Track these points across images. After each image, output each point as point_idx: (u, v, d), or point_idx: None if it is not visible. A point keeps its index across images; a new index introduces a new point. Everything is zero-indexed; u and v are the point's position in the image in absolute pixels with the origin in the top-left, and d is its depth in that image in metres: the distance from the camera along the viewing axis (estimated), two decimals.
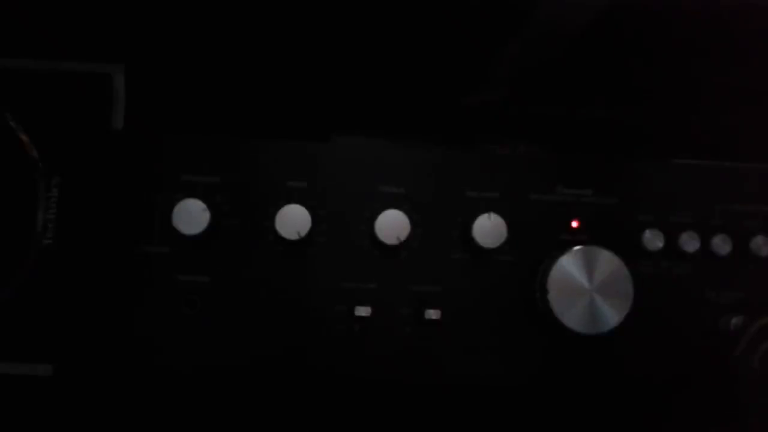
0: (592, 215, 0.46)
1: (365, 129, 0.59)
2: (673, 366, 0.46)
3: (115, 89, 0.50)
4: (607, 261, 0.43)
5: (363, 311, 0.43)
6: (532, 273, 0.45)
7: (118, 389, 0.52)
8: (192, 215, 0.42)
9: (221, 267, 0.44)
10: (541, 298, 0.44)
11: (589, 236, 0.45)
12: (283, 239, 0.42)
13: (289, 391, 0.53)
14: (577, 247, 0.43)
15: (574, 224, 0.46)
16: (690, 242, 0.45)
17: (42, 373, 0.44)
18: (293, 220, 0.42)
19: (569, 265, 0.43)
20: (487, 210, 0.44)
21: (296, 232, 0.42)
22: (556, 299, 0.43)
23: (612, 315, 0.43)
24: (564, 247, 0.44)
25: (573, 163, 0.46)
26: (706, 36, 0.49)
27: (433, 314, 0.44)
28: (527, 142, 0.58)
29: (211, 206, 0.42)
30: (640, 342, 0.45)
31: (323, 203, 0.44)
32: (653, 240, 0.45)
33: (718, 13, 0.46)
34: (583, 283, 0.43)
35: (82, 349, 0.43)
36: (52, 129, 0.44)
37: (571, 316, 0.43)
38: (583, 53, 0.52)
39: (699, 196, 0.46)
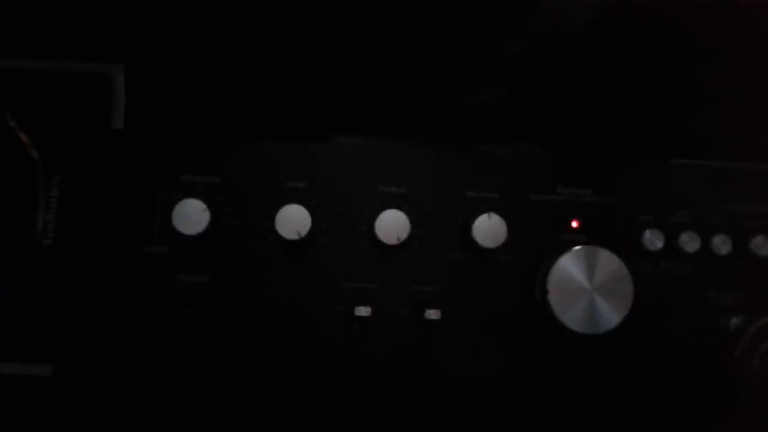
0: (592, 215, 0.46)
1: (365, 129, 0.59)
2: (673, 366, 0.46)
3: (115, 89, 0.50)
4: (607, 261, 0.43)
5: (363, 311, 0.43)
6: (532, 273, 0.45)
7: (117, 389, 0.52)
8: (192, 215, 0.42)
9: (221, 267, 0.44)
10: (541, 298, 0.44)
11: (589, 236, 0.45)
12: (283, 239, 0.42)
13: (289, 391, 0.53)
14: (577, 247, 0.43)
15: (574, 224, 0.46)
16: (690, 242, 0.45)
17: (42, 373, 0.44)
18: (293, 220, 0.42)
19: (569, 265, 0.43)
20: (487, 210, 0.44)
21: (296, 232, 0.42)
22: (556, 299, 0.43)
23: (612, 315, 0.43)
24: (564, 247, 0.44)
25: (573, 163, 0.46)
26: (706, 36, 0.49)
27: (433, 314, 0.44)
28: (527, 142, 0.58)
29: (211, 206, 0.42)
30: (640, 342, 0.45)
31: (323, 203, 0.44)
32: (653, 240, 0.45)
33: (718, 13, 0.46)
34: (583, 283, 0.43)
35: (82, 349, 0.43)
36: (52, 129, 0.44)
37: (571, 316, 0.43)
38: (583, 53, 0.52)
39: (699, 196, 0.46)
